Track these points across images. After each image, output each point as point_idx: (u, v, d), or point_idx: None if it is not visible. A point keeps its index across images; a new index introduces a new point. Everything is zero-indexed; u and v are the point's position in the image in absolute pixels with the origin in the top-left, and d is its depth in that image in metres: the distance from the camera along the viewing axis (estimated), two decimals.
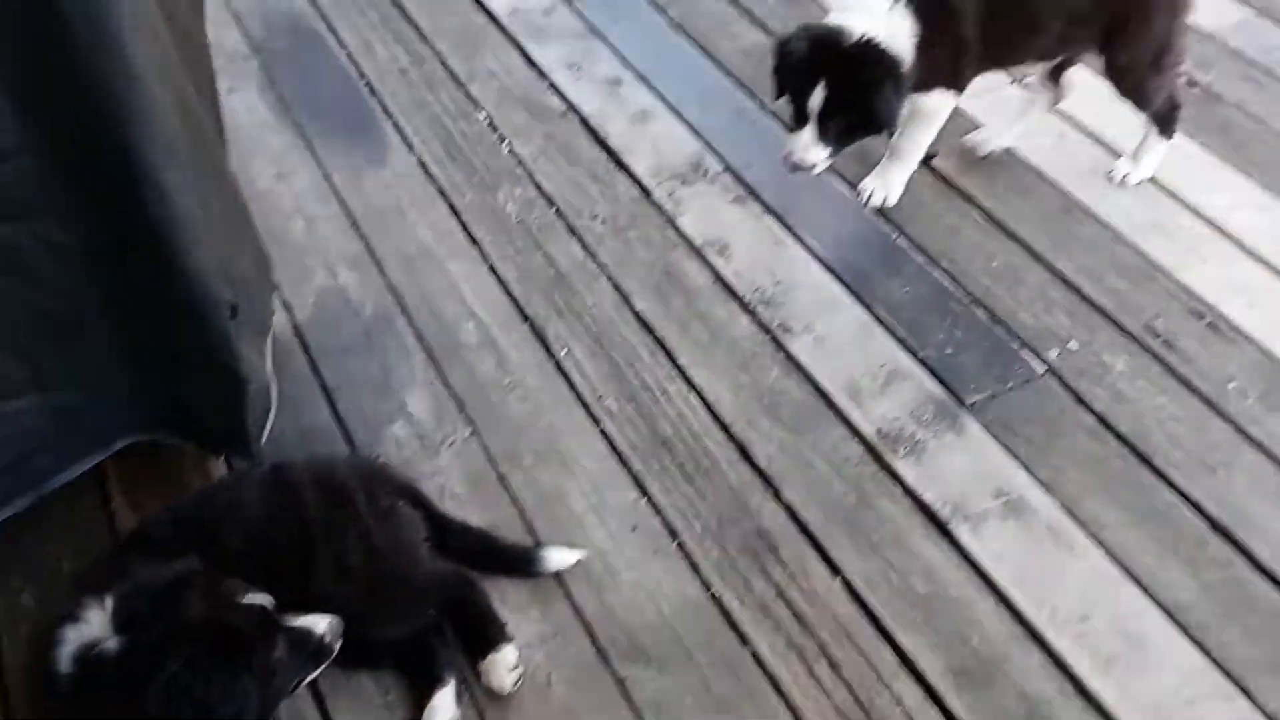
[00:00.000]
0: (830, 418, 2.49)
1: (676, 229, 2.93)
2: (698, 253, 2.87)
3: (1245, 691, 2.02)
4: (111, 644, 1.67)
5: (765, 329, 2.68)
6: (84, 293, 1.94)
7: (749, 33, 3.53)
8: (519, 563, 2.17)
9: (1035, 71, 3.03)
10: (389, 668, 2.03)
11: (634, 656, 2.08)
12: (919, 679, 2.05)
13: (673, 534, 2.27)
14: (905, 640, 2.11)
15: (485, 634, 2.03)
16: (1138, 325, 2.68)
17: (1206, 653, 2.08)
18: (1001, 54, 2.81)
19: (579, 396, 2.53)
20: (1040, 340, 2.65)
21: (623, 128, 3.23)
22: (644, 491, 2.34)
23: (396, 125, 3.24)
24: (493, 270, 2.83)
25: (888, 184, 2.93)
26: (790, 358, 2.62)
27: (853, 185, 3.00)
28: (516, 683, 2.00)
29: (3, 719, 1.96)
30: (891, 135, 2.80)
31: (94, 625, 1.70)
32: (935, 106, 2.79)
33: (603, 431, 2.46)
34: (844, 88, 2.54)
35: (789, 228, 2.94)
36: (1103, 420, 2.48)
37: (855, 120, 2.61)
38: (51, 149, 1.78)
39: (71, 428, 2.04)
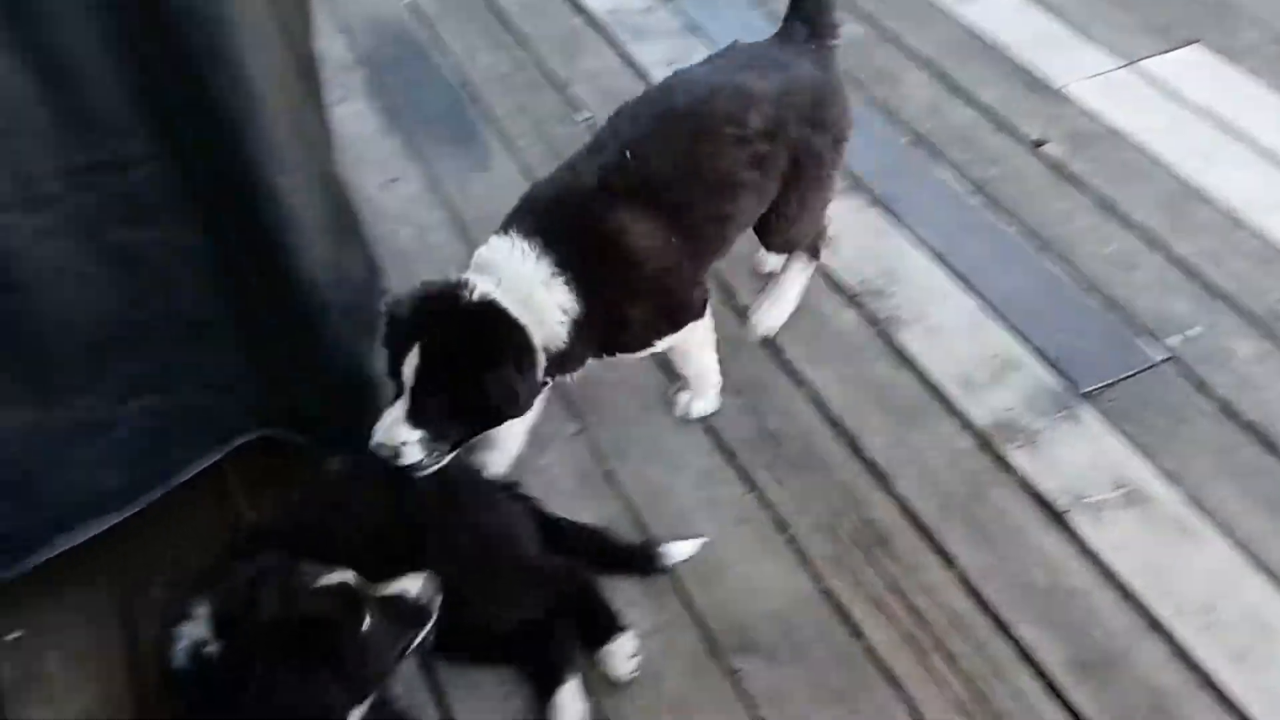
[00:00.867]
0: (942, 409, 2.45)
1: None
2: None
3: None
4: (213, 647, 1.70)
5: (873, 321, 2.65)
6: (208, 295, 2.00)
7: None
8: (638, 559, 2.18)
9: None
10: (508, 663, 2.04)
11: (746, 649, 2.07)
12: (1039, 671, 2.01)
13: (782, 527, 2.25)
14: (1024, 632, 2.06)
15: (601, 623, 2.04)
16: (1263, 308, 2.59)
17: None
18: (699, 269, 2.32)
19: None
20: (1160, 326, 2.58)
21: None
22: (752, 486, 2.33)
23: (500, 130, 3.27)
24: None
25: (705, 399, 2.48)
26: (899, 349, 2.58)
27: (958, 169, 2.95)
28: (634, 671, 2.01)
29: (137, 713, 2.02)
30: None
31: (201, 625, 1.73)
32: (690, 338, 2.34)
33: (709, 426, 2.45)
34: (446, 358, 1.94)
35: (896, 217, 2.91)
36: (1227, 407, 2.40)
37: (462, 401, 1.96)
38: (176, 156, 1.85)
39: (195, 425, 2.11)
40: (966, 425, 2.42)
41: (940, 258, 2.79)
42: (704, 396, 2.46)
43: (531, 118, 3.31)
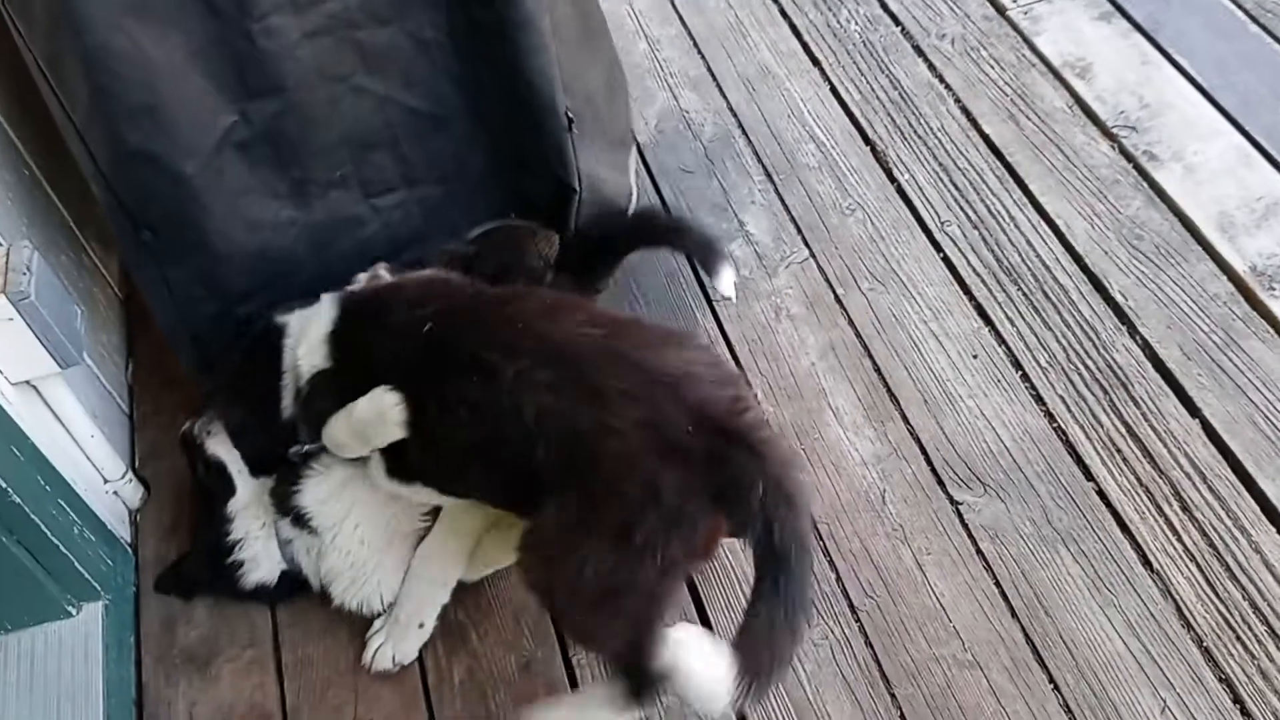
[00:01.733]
0: (1197, 252, 2.31)
1: (1032, 48, 2.75)
2: (1055, 74, 2.69)
3: None
4: None
5: (1128, 156, 2.50)
6: (447, 88, 2.03)
7: None
8: (701, 251, 2.19)
9: None
10: None
11: (970, 482, 2.05)
12: None
13: (1016, 364, 2.19)
14: (1270, 488, 1.97)
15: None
16: None
17: None
18: None
19: (921, 222, 2.46)
20: None
21: None
22: (987, 320, 2.27)
23: None
24: (834, 92, 2.76)
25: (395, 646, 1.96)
26: (1155, 187, 2.43)
27: None
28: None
29: None
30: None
31: None
32: None
33: (945, 258, 2.39)
34: None
35: (1159, 47, 2.70)
36: None
37: None
38: None
39: (433, 220, 2.17)
40: (1223, 269, 2.27)
41: (1207, 91, 2.59)
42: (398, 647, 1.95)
43: None
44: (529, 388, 1.59)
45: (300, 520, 1.95)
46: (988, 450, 2.08)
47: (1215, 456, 2.02)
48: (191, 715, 1.94)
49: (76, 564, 1.91)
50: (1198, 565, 1.91)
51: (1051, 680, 1.82)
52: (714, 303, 2.37)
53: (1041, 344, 2.21)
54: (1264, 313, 2.19)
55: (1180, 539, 1.94)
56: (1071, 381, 2.15)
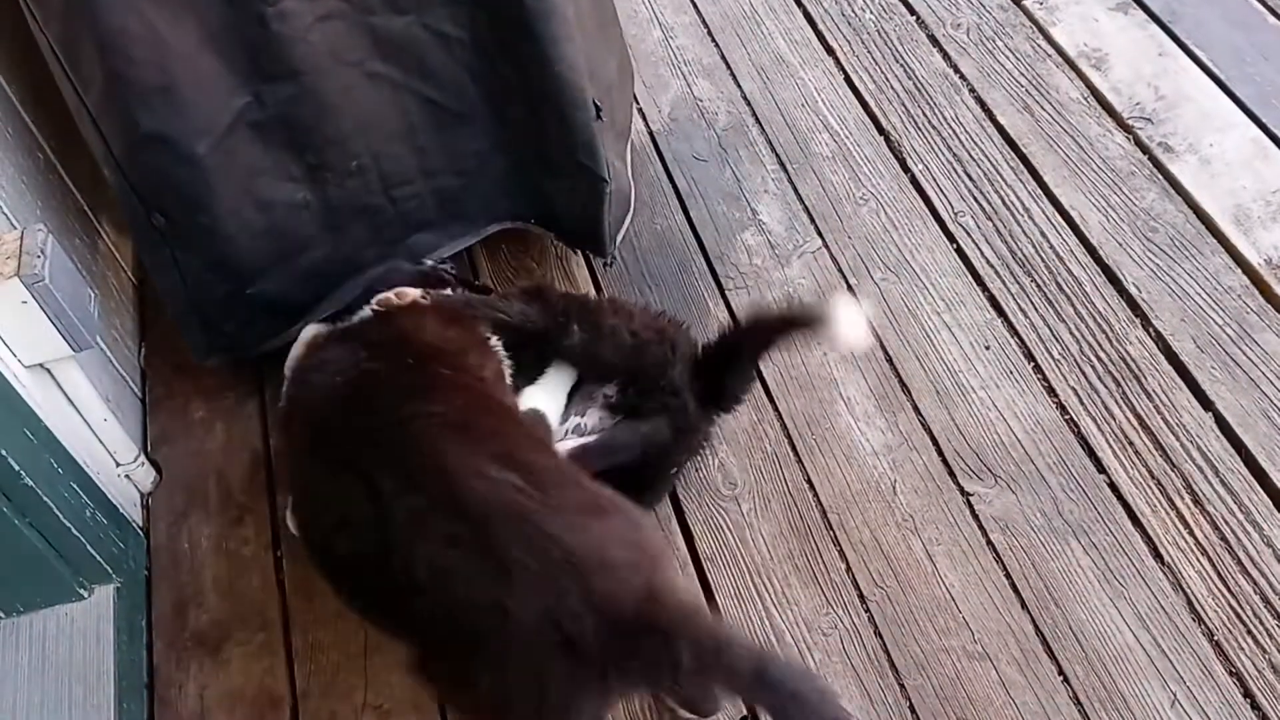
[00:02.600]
0: (1212, 245, 2.30)
1: (1048, 39, 2.74)
2: (1071, 64, 2.67)
3: None
4: None
5: (1143, 148, 2.48)
6: (467, 84, 2.04)
7: None
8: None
9: None
10: None
11: (981, 473, 2.05)
12: None
13: (1028, 355, 2.19)
14: None
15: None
16: None
17: None
18: None
19: (934, 212, 2.45)
20: None
21: None
22: (1000, 311, 2.26)
23: None
24: (848, 81, 2.75)
25: None
26: (1170, 179, 2.42)
27: None
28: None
29: None
30: None
31: None
32: None
33: (958, 249, 2.38)
34: None
35: (1176, 38, 2.68)
36: None
37: None
38: None
39: (449, 210, 2.18)
40: (1238, 262, 2.26)
41: (1224, 83, 2.57)
42: None
43: None
44: (424, 535, 1.46)
45: None
46: (999, 441, 2.08)
47: (1228, 450, 2.01)
48: (202, 699, 1.94)
49: (88, 547, 1.92)
50: (1209, 558, 1.91)
51: (1061, 672, 1.82)
52: (726, 292, 2.37)
53: (1054, 335, 2.21)
54: (1278, 306, 2.18)
55: (1192, 532, 1.94)
56: (1084, 373, 2.15)
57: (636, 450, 1.92)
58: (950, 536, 1.98)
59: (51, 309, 1.78)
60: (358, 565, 1.58)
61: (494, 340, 1.88)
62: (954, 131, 2.58)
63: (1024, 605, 1.89)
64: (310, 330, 1.99)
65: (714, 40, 2.90)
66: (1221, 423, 2.05)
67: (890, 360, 2.21)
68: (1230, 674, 1.79)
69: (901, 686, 1.83)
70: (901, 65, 2.75)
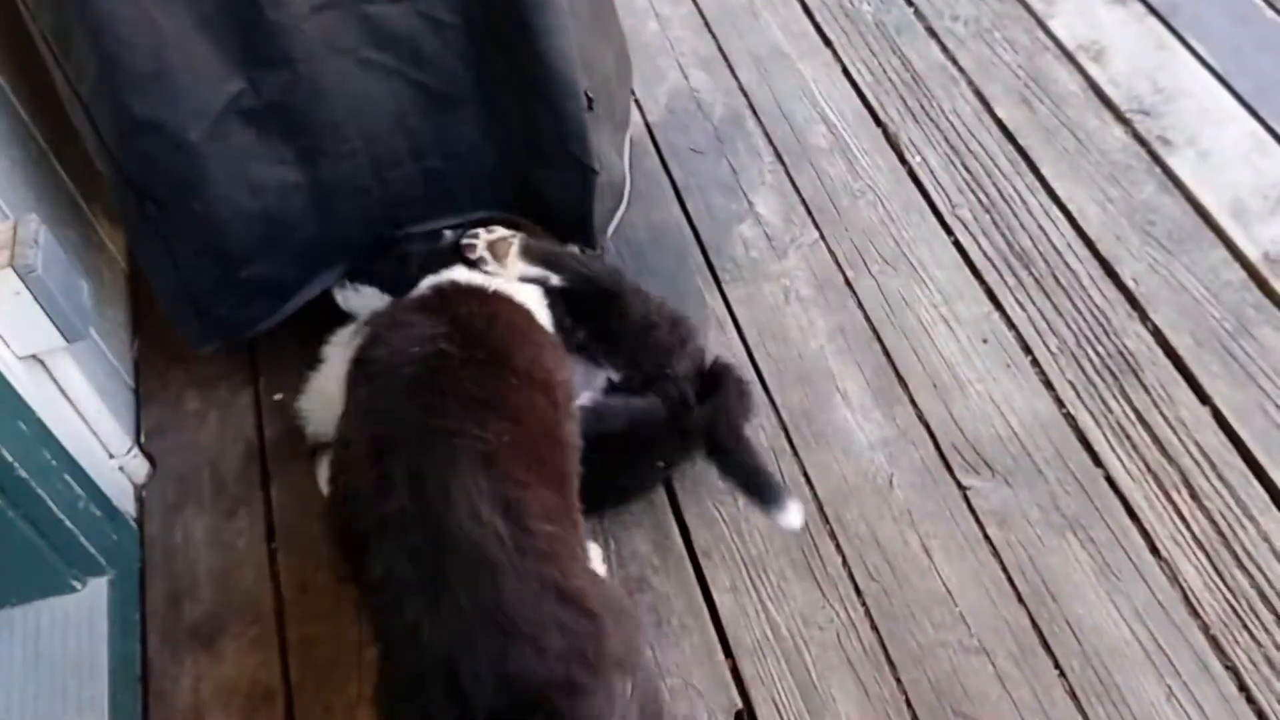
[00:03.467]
0: (1210, 239, 2.30)
1: (1046, 31, 2.73)
2: (1069, 57, 2.67)
3: None
4: None
5: (1141, 141, 2.48)
6: (460, 71, 2.02)
7: None
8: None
9: None
10: None
11: (978, 467, 2.04)
12: None
13: (1026, 349, 2.18)
14: (1279, 477, 1.96)
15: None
16: None
17: None
18: None
19: (932, 205, 2.44)
20: None
21: None
22: (997, 304, 2.26)
23: None
24: (846, 73, 2.74)
25: None
26: (1168, 172, 2.42)
27: None
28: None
29: None
30: None
31: None
32: None
33: (955, 242, 2.37)
34: None
35: (1175, 31, 2.68)
36: None
37: None
38: None
39: (436, 191, 2.16)
40: (1236, 256, 2.26)
41: (1222, 76, 2.57)
42: None
43: None
44: (397, 539, 1.47)
45: None
46: (996, 435, 2.07)
47: (1225, 444, 2.01)
48: (196, 691, 1.93)
49: (81, 539, 1.91)
50: (1205, 553, 1.91)
51: (1057, 666, 1.82)
52: (722, 284, 2.36)
53: (1052, 329, 2.20)
54: (1276, 300, 2.18)
55: (1189, 527, 1.94)
56: (1081, 367, 2.14)
57: (624, 420, 1.93)
58: (947, 530, 1.97)
59: (44, 299, 1.76)
60: (357, 543, 1.57)
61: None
62: (952, 124, 2.58)
63: (1020, 599, 1.89)
64: None
65: (711, 31, 2.89)
66: (1219, 417, 2.05)
67: (887, 354, 2.21)
68: (1226, 668, 1.79)
69: (898, 680, 1.83)
70: (899, 57, 2.74)
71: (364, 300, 2.11)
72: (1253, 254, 2.25)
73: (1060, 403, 2.10)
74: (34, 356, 1.87)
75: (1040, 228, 2.36)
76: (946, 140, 2.54)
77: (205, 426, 2.26)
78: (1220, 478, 1.98)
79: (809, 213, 2.46)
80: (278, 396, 2.26)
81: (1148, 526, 1.94)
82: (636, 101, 2.71)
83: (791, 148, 2.59)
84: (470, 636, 1.38)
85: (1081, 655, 1.82)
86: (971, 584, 1.91)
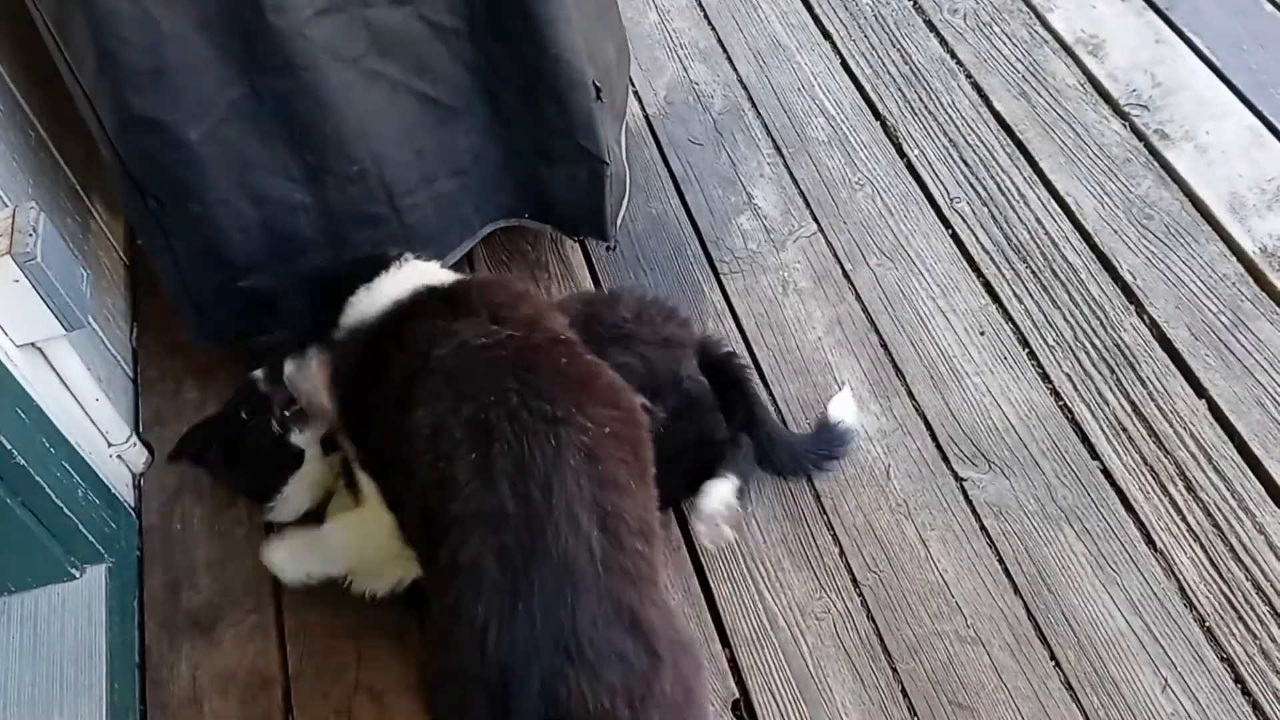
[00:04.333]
0: (1207, 232, 2.30)
1: (1045, 24, 2.74)
2: (1068, 50, 2.67)
3: None
4: None
5: (1139, 135, 2.48)
6: (463, 78, 2.01)
7: None
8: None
9: None
10: None
11: (975, 459, 2.05)
12: None
13: (1023, 341, 2.19)
14: (1275, 470, 1.97)
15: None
16: None
17: None
18: None
19: (930, 198, 2.45)
20: None
21: None
22: (994, 297, 2.26)
23: None
24: (845, 65, 2.74)
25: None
26: (1166, 166, 2.42)
27: None
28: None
29: None
30: None
31: None
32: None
33: (953, 234, 2.38)
34: None
35: (1173, 25, 2.69)
36: None
37: None
38: None
39: (447, 216, 2.16)
40: (1233, 250, 2.27)
41: (1220, 70, 2.57)
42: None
43: None
44: (488, 530, 1.44)
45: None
46: (993, 427, 2.08)
47: (1221, 437, 2.02)
48: (194, 679, 1.94)
49: (80, 526, 1.91)
50: (1201, 545, 1.91)
51: (1053, 657, 1.82)
52: (721, 277, 2.36)
53: (1049, 322, 2.21)
54: (1273, 294, 2.19)
55: (1184, 519, 1.94)
56: (1078, 360, 2.15)
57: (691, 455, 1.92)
58: (944, 521, 1.98)
59: (43, 287, 1.76)
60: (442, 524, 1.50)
61: None
62: (950, 117, 2.58)
63: (1017, 590, 1.89)
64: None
65: (710, 24, 2.89)
66: (1215, 410, 2.05)
67: (885, 345, 2.21)
68: (1221, 660, 1.79)
69: (894, 670, 1.84)
70: (898, 50, 2.74)
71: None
72: (1249, 248, 2.26)
73: (1057, 395, 2.11)
74: (33, 345, 1.87)
75: (1038, 221, 2.36)
76: (945, 133, 2.55)
77: (204, 416, 2.25)
78: (1216, 470, 1.99)
79: (807, 205, 2.47)
80: None
81: (1144, 518, 1.95)
82: (635, 93, 2.72)
83: (790, 140, 2.60)
84: (535, 652, 1.37)
85: (1077, 646, 1.83)
86: (968, 574, 1.92)
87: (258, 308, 2.09)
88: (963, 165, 2.49)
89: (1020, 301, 2.25)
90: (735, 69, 2.77)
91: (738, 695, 1.83)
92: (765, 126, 2.63)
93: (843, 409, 2.06)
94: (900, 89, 2.66)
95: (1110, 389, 2.10)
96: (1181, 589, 1.87)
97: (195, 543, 2.10)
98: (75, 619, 1.93)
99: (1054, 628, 1.85)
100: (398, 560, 1.76)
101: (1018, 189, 2.43)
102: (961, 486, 2.02)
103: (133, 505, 2.14)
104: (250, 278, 2.05)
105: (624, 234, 2.42)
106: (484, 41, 1.99)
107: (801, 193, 2.49)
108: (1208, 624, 1.83)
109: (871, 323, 2.25)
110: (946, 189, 2.45)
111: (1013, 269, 2.30)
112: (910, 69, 2.70)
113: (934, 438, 2.08)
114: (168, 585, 2.05)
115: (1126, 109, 2.53)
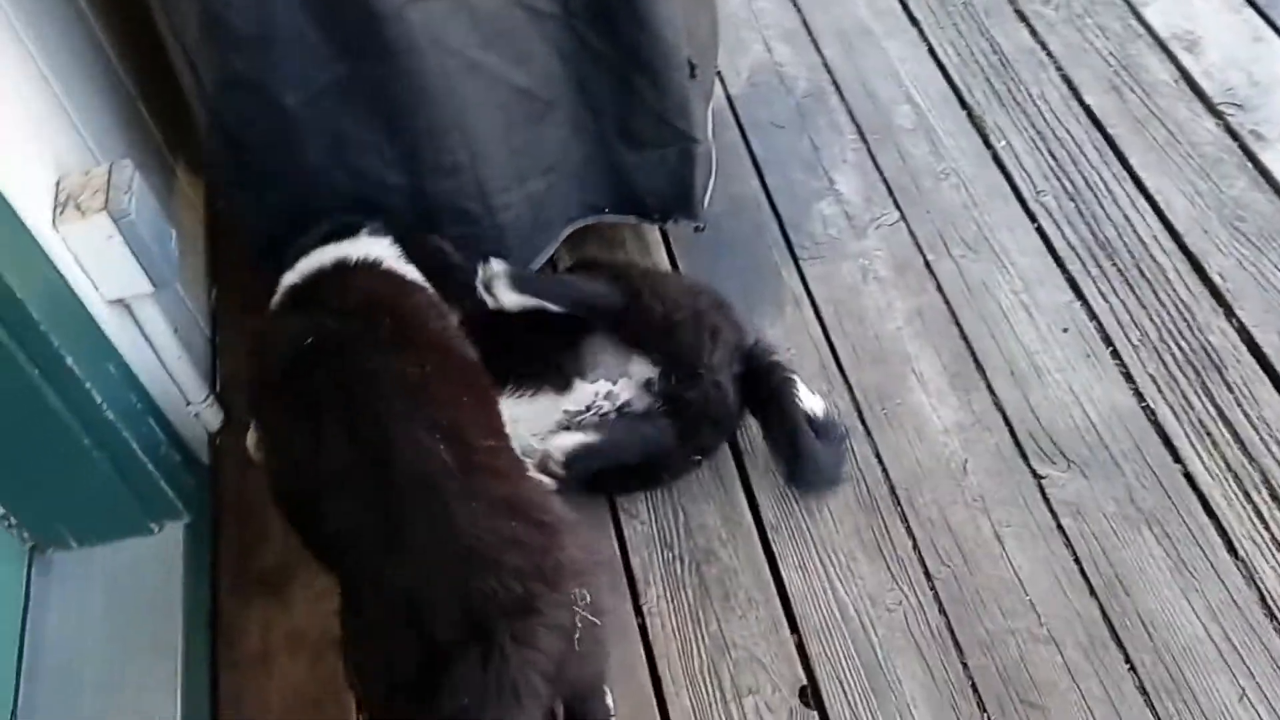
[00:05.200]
0: None
1: (1140, 18, 2.69)
2: (1162, 46, 2.62)
3: None
4: None
5: (1234, 134, 2.43)
6: (557, 67, 1.99)
7: None
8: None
9: None
10: None
11: (1054, 457, 2.02)
12: None
13: (1107, 340, 2.15)
14: None
15: None
16: None
17: None
18: None
19: (1016, 190, 2.41)
20: None
21: None
22: (1079, 294, 2.23)
23: None
24: (932, 53, 2.71)
25: None
26: (1260, 168, 2.37)
27: None
28: None
29: None
30: None
31: None
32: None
33: (1039, 228, 2.34)
34: None
35: (1272, 23, 2.63)
36: None
37: None
38: None
39: (535, 218, 2.14)
40: None
41: None
42: None
43: None
44: (346, 491, 1.49)
45: None
46: (1074, 425, 2.05)
47: None
48: (265, 639, 1.96)
49: (161, 482, 1.94)
50: None
51: (1128, 660, 1.80)
52: (800, 262, 2.35)
53: (1134, 321, 2.17)
54: None
55: (1268, 527, 1.90)
56: (1163, 361, 2.11)
57: (636, 452, 1.95)
58: (1020, 519, 1.95)
59: (135, 245, 1.79)
60: (300, 508, 1.62)
61: None
62: (1039, 109, 2.54)
63: (1092, 591, 1.87)
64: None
65: (796, 5, 2.87)
66: None
67: (965, 338, 2.19)
68: None
69: (965, 665, 1.82)
70: (987, 39, 2.71)
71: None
72: None
73: (1140, 396, 2.07)
74: (121, 301, 1.89)
75: (1126, 218, 2.32)
76: (1033, 125, 2.51)
77: None
78: None
79: (890, 193, 2.44)
80: None
81: (1226, 525, 1.91)
82: (719, 73, 2.69)
83: (874, 126, 2.57)
84: (431, 568, 1.38)
85: (1153, 650, 1.80)
86: (1043, 573, 1.89)
87: None
88: (1050, 158, 2.45)
89: (1105, 299, 2.21)
90: (820, 52, 2.74)
91: (805, 682, 1.82)
92: (849, 111, 2.61)
93: (808, 402, 2.00)
94: (988, 79, 2.62)
95: (1196, 392, 2.06)
96: (1262, 598, 1.83)
97: (268, 504, 2.11)
98: (153, 575, 1.96)
99: (1130, 631, 1.82)
100: None
101: (1106, 185, 2.39)
102: (1039, 484, 1.99)
103: (208, 464, 2.16)
104: None
105: (705, 214, 2.40)
106: (579, 23, 1.97)
107: (884, 180, 2.46)
108: None
109: (952, 314, 2.22)
110: (1033, 182, 2.42)
111: (1099, 266, 2.26)
112: (999, 59, 2.66)
113: (1013, 434, 2.05)
114: (242, 545, 2.07)
115: (1221, 108, 2.48)
